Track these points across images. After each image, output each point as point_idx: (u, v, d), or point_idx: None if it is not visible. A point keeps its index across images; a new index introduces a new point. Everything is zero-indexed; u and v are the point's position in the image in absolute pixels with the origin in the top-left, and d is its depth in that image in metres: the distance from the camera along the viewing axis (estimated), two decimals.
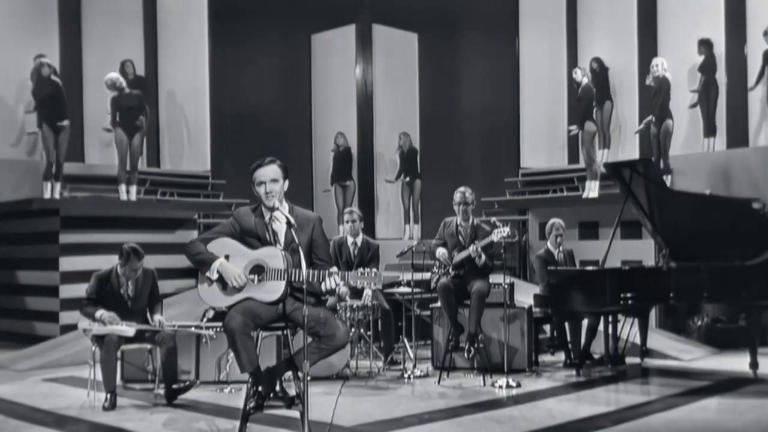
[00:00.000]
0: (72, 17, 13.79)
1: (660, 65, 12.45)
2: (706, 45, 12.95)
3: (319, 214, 5.78)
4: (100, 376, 7.17)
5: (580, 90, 12.79)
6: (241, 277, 5.35)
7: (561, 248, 9.58)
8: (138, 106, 12.41)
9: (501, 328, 8.64)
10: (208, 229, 7.11)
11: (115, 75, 12.33)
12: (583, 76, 12.77)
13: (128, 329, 7.24)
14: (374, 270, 5.36)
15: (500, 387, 7.93)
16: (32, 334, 11.35)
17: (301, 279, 5.22)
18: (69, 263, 11.31)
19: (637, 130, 13.37)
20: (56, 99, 11.71)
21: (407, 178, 14.95)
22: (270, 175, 5.47)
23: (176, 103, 15.16)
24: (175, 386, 7.29)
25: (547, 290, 9.10)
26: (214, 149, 15.13)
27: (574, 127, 12.98)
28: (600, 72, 14.04)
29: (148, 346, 7.56)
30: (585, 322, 9.08)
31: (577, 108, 13.02)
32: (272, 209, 5.50)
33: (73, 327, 10.03)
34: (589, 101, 12.73)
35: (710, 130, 12.94)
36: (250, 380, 5.35)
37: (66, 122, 11.68)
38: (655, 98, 12.49)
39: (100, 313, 7.28)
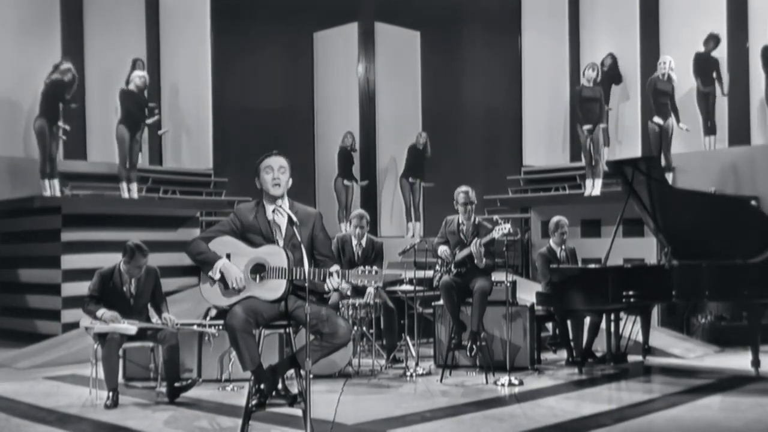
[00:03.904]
0: (74, 16, 13.79)
1: (668, 63, 12.41)
2: (714, 40, 12.90)
3: (319, 210, 5.78)
4: (102, 375, 7.17)
5: (596, 88, 12.63)
6: (240, 280, 5.34)
7: (563, 246, 9.59)
8: (142, 108, 12.41)
9: (503, 326, 8.64)
10: (210, 226, 7.09)
11: (146, 76, 12.43)
12: (589, 80, 12.63)
13: (130, 327, 7.24)
14: (375, 268, 5.35)
15: (502, 385, 7.93)
16: (34, 332, 11.34)
17: (302, 277, 5.22)
18: (71, 261, 11.30)
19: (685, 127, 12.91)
20: (66, 102, 11.76)
21: (417, 179, 14.89)
22: (279, 164, 5.50)
23: (179, 101, 15.18)
24: (177, 384, 7.30)
25: (550, 288, 9.12)
26: (216, 147, 15.16)
27: (603, 125, 12.69)
28: (611, 69, 14.01)
29: (150, 344, 7.56)
30: (587, 320, 9.08)
31: (590, 109, 12.73)
32: (274, 200, 5.49)
33: (75, 325, 10.02)
34: (603, 100, 12.65)
35: (710, 129, 12.93)
36: (252, 378, 5.35)
37: (66, 129, 11.78)
38: (662, 98, 12.43)
39: (102, 311, 7.28)
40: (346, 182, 14.74)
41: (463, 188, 8.84)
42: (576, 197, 13.20)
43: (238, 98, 15.65)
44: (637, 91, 14.18)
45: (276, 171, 5.48)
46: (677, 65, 12.58)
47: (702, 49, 12.98)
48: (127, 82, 12.28)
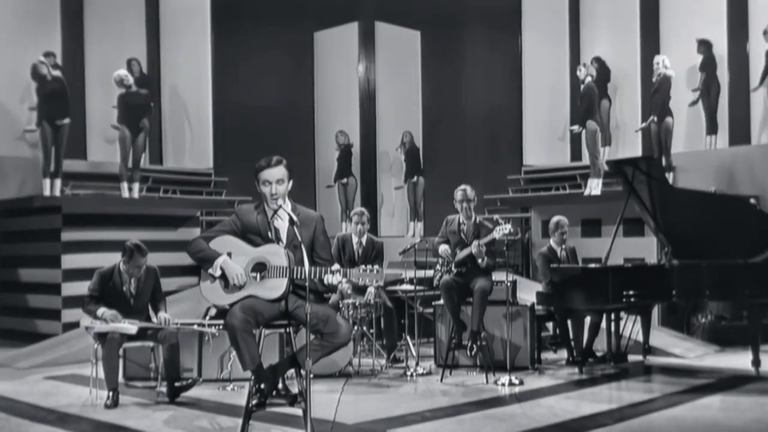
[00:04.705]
0: (74, 15, 13.79)
1: (662, 62, 12.45)
2: (705, 45, 12.96)
3: (320, 214, 5.77)
4: (102, 374, 7.17)
5: (582, 88, 12.75)
6: (241, 276, 5.34)
7: (564, 246, 9.60)
8: (144, 105, 12.44)
9: (503, 326, 8.64)
10: (211, 226, 7.10)
11: (123, 72, 12.39)
12: (586, 75, 12.72)
13: (130, 327, 7.24)
14: (376, 267, 5.35)
15: (503, 385, 7.93)
16: (34, 332, 11.35)
17: (303, 276, 5.22)
18: (71, 261, 11.30)
19: (639, 129, 13.42)
20: (60, 96, 11.74)
21: (414, 178, 14.91)
22: (277, 176, 5.46)
23: (179, 101, 15.18)
24: (177, 384, 7.30)
25: (550, 288, 9.12)
26: (216, 146, 15.16)
27: (576, 127, 12.92)
28: (601, 71, 14.05)
29: (151, 343, 7.56)
30: (587, 320, 9.08)
31: (579, 107, 12.97)
32: (275, 209, 5.49)
33: (75, 325, 10.03)
34: (591, 100, 12.71)
35: (712, 128, 12.95)
36: (253, 378, 5.35)
37: (67, 120, 11.73)
38: (655, 96, 12.49)
39: (102, 311, 7.28)
40: (344, 181, 14.80)
41: (462, 186, 8.85)
42: (576, 197, 13.20)
43: (238, 98, 15.64)
44: (637, 91, 14.19)
45: (274, 185, 5.46)
46: (678, 63, 12.58)
47: (701, 59, 13.03)
48: (127, 87, 12.24)
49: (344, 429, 6.19)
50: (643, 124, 13.03)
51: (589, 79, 12.72)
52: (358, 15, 15.76)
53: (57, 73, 11.85)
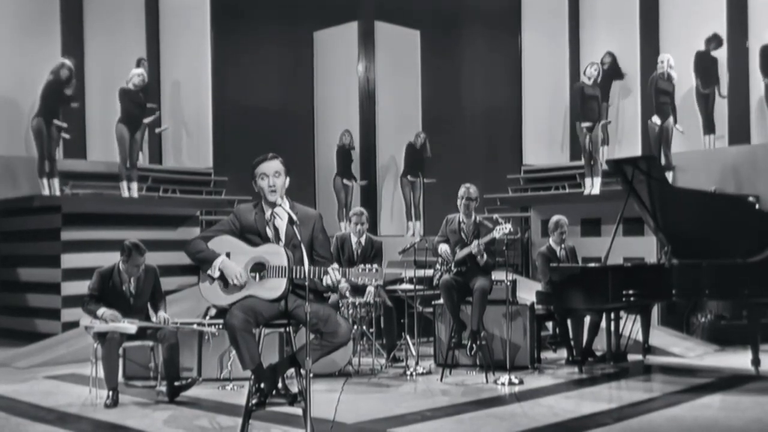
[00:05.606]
0: (74, 16, 13.79)
1: (666, 61, 12.41)
2: (716, 40, 12.89)
3: (319, 212, 5.77)
4: (101, 374, 7.16)
5: (592, 87, 12.65)
6: (241, 276, 5.34)
7: (563, 245, 9.60)
8: (140, 108, 12.41)
9: (503, 325, 8.63)
10: (210, 225, 7.08)
11: (142, 71, 12.40)
12: (590, 78, 12.66)
13: (130, 326, 7.24)
14: (375, 266, 5.35)
15: (502, 384, 7.93)
16: (34, 332, 11.34)
17: (302, 276, 5.22)
18: (71, 260, 11.29)
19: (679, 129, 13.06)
20: (61, 99, 11.76)
21: (414, 177, 14.88)
22: (274, 169, 5.48)
23: (179, 100, 15.18)
24: (177, 383, 7.29)
25: (550, 287, 9.12)
26: (216, 146, 15.16)
27: (597, 125, 12.68)
28: (612, 66, 14.03)
29: (150, 343, 7.56)
30: (587, 319, 9.08)
31: (590, 107, 12.82)
32: (273, 205, 5.49)
33: (74, 324, 10.02)
34: (597, 99, 12.68)
35: (709, 128, 12.93)
36: (252, 377, 5.35)
37: (65, 128, 11.81)
38: (663, 97, 12.43)
39: (102, 311, 7.27)
40: (345, 181, 14.75)
41: (466, 184, 8.85)
42: (576, 196, 13.19)
43: (238, 97, 15.64)
44: (637, 90, 14.18)
45: (271, 177, 5.47)
46: (677, 63, 12.57)
47: (703, 47, 12.98)
48: (127, 81, 12.27)
49: (344, 428, 6.19)
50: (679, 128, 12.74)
51: (588, 81, 12.68)
52: (357, 14, 15.77)
53: (68, 90, 11.86)
